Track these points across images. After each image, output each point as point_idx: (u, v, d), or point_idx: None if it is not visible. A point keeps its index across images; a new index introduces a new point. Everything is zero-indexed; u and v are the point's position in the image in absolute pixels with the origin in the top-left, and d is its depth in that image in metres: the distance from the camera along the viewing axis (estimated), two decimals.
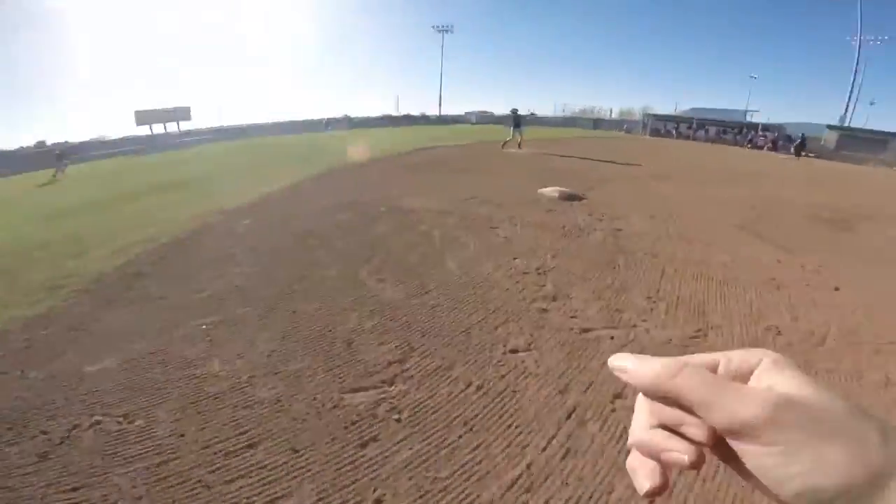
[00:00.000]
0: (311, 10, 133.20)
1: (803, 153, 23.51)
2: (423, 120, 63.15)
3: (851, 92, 35.16)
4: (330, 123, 34.59)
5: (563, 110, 53.25)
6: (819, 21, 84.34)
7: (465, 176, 8.51)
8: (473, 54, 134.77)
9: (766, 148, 30.92)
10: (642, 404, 0.32)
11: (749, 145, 31.02)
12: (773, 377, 0.27)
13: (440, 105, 67.21)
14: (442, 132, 28.46)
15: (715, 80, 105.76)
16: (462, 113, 71.86)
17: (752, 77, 49.45)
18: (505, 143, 15.05)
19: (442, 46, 63.90)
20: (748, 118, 39.61)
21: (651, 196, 7.22)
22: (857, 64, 35.39)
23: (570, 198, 6.39)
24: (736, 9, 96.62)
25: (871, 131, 29.27)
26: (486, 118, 63.80)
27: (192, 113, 44.58)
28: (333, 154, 12.53)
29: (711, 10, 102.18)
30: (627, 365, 0.30)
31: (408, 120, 61.13)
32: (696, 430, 0.28)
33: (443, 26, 63.83)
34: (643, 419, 0.31)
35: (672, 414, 0.29)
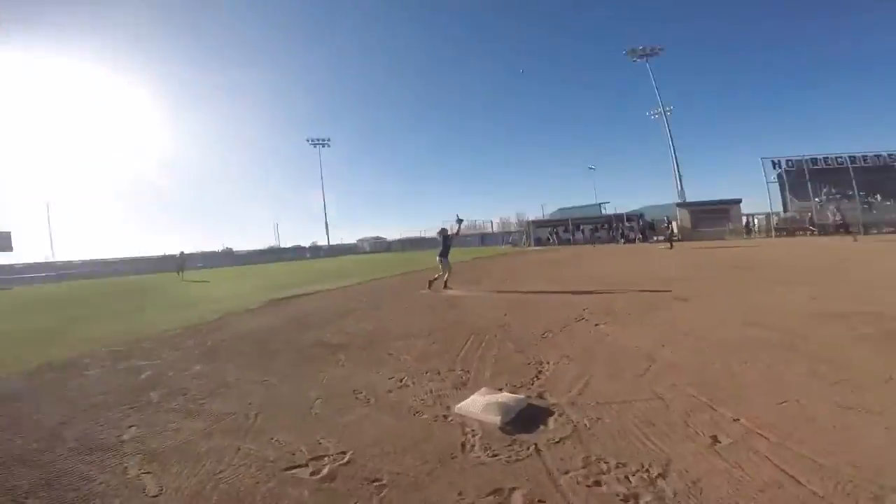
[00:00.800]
0: (181, 134, 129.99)
1: (674, 240, 25.24)
2: (312, 252, 59.79)
3: (676, 165, 41.05)
4: (184, 260, 26.28)
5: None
6: (625, 102, 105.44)
7: (331, 371, 5.50)
8: (354, 174, 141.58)
9: (636, 240, 33.50)
10: None
11: (623, 240, 33.45)
12: None
13: (327, 233, 65.21)
14: (328, 266, 25.61)
15: (565, 177, 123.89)
16: (354, 241, 70.72)
17: (590, 168, 56.95)
18: (432, 281, 10.67)
19: (320, 162, 63.27)
20: (602, 210, 43.85)
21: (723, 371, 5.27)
22: (671, 137, 41.94)
23: (524, 423, 2.95)
24: (564, 105, 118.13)
25: (712, 202, 33.69)
26: (380, 245, 62.78)
27: (12, 241, 37.53)
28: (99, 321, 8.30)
29: (548, 115, 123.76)
30: None
31: (294, 252, 57.46)
32: None
33: (319, 140, 63.67)
34: None
35: None
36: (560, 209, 50.38)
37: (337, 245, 62.70)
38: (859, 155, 31.16)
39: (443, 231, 11.05)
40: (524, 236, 42.27)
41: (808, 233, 28.18)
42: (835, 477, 2.19)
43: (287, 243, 65.03)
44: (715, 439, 2.63)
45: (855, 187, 30.56)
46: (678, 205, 34.53)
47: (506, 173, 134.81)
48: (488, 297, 9.14)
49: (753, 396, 3.22)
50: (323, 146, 64.26)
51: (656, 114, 43.14)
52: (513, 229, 51.25)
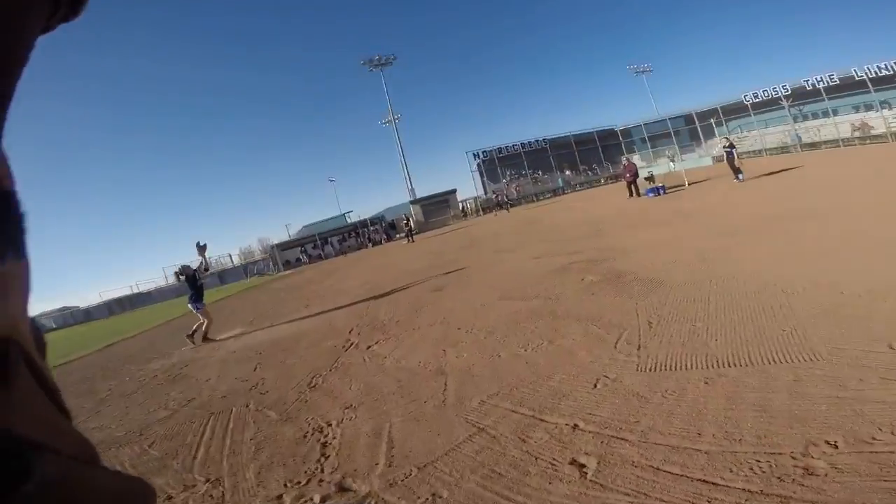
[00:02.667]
0: None
1: (412, 234, 27.57)
2: None
3: (406, 169, 45.39)
4: None
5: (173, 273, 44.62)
6: (357, 112, 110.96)
7: None
8: None
9: (383, 241, 35.29)
10: None
11: (371, 244, 34.63)
12: None
13: None
14: None
15: (308, 194, 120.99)
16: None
17: (330, 180, 57.45)
18: (191, 335, 8.12)
19: None
20: (348, 219, 44.57)
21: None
22: (400, 142, 45.85)
23: None
24: (301, 121, 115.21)
25: (436, 195, 38.85)
26: (73, 316, 45.31)
27: None
28: None
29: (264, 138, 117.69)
30: None
31: None
32: None
33: None
34: None
35: None
36: (305, 226, 48.41)
37: None
38: (526, 141, 41.79)
39: (184, 270, 8.29)
40: (270, 262, 38.56)
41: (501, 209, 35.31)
42: None
43: None
44: (578, 464, 2.12)
45: (525, 167, 41.03)
46: (411, 202, 38.30)
47: (241, 199, 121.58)
48: (229, 346, 7.19)
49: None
50: None
51: (387, 122, 46.17)
52: (257, 257, 46.21)
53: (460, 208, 38.38)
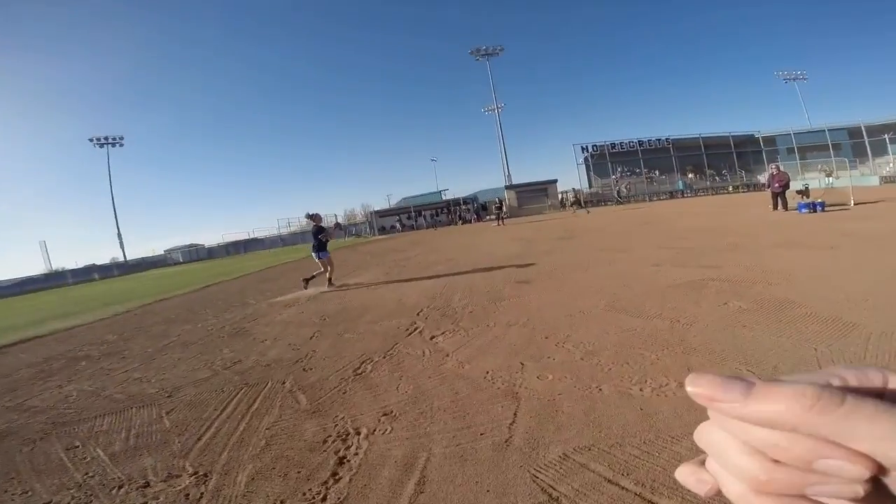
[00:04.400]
0: None
1: (503, 216, 26.39)
2: (103, 271, 47.29)
3: (504, 154, 44.07)
4: None
5: (287, 225, 48.04)
6: (462, 98, 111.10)
7: None
8: (156, 176, 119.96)
9: (473, 220, 34.66)
10: (721, 424, 0.24)
11: (461, 222, 34.16)
12: None
13: (122, 246, 52.55)
14: (105, 289, 19.34)
15: (408, 169, 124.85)
16: (162, 252, 58.49)
17: (432, 160, 57.84)
18: (309, 279, 8.62)
19: (108, 165, 50.84)
20: (443, 196, 44.63)
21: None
22: (501, 130, 44.80)
23: None
24: (409, 102, 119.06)
25: (534, 183, 37.08)
26: (196, 253, 52.34)
27: None
28: None
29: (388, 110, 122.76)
30: (733, 393, 0.23)
31: (75, 275, 44.48)
32: (852, 467, 0.21)
33: (106, 139, 51.24)
34: (730, 444, 0.24)
35: (793, 443, 0.22)
36: (404, 198, 49.67)
37: (137, 260, 50.84)
38: (645, 139, 37.86)
39: (315, 218, 8.71)
40: (367, 227, 40.06)
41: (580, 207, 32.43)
42: None
43: (67, 264, 50.46)
44: None
45: (641, 165, 37.27)
46: (506, 187, 37.03)
47: (351, 168, 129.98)
48: (300, 308, 6.88)
49: None
50: (113, 145, 51.43)
51: (489, 109, 45.31)
52: (359, 220, 48.54)
53: (559, 199, 36.13)
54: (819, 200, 13.22)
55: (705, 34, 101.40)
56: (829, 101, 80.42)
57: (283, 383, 3.54)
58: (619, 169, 38.57)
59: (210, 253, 48.41)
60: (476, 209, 36.96)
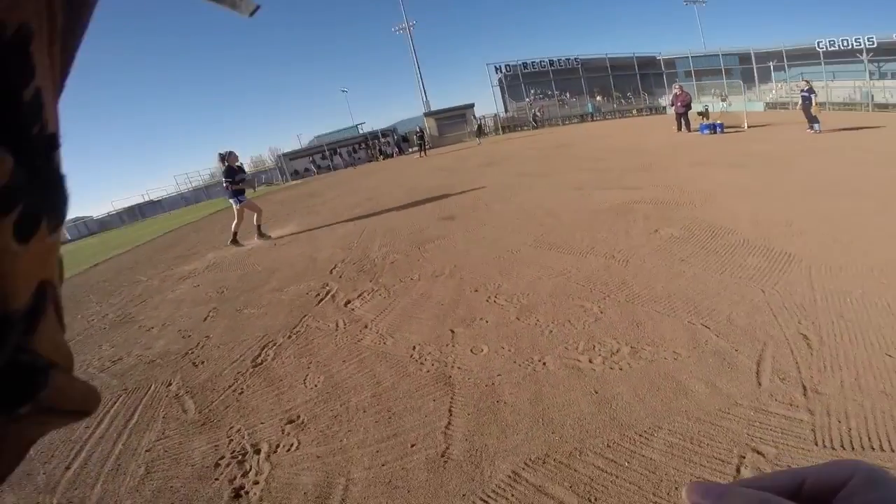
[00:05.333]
0: None
1: (425, 149, 25.29)
2: None
3: (420, 78, 41.44)
4: None
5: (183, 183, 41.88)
6: (371, 18, 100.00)
7: None
8: None
9: (395, 154, 33.01)
10: None
11: (382, 157, 32.32)
12: (868, 495, 0.22)
13: None
14: None
15: (320, 105, 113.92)
16: None
17: (343, 91, 52.75)
18: (234, 236, 7.31)
19: None
20: (360, 131, 41.61)
21: None
22: (414, 51, 41.35)
23: None
24: (312, 29, 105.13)
25: (452, 108, 35.55)
26: (86, 227, 43.50)
27: None
28: None
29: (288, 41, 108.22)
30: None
31: None
32: None
33: None
34: None
35: None
36: (317, 136, 45.55)
37: None
38: (556, 59, 36.98)
39: (229, 157, 7.24)
40: (278, 172, 36.35)
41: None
42: None
43: None
44: None
45: (553, 87, 36.79)
46: (425, 114, 35.07)
47: (255, 110, 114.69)
48: (194, 280, 5.85)
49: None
50: None
51: (400, 29, 41.21)
52: (269, 166, 44.03)
53: (477, 125, 35.32)
54: (718, 122, 13.98)
55: None
56: (724, 25, 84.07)
57: (169, 385, 2.82)
58: (532, 91, 38.12)
59: (102, 225, 41.42)
60: (397, 141, 35.08)
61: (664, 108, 34.89)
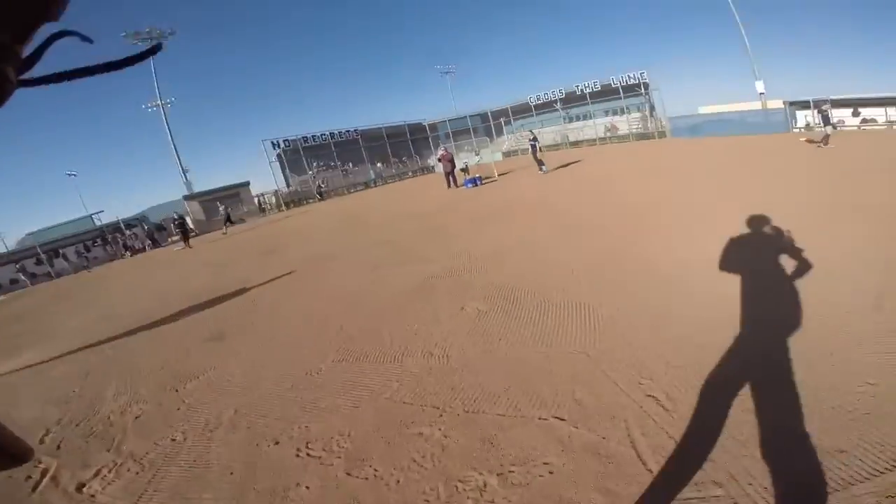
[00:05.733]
0: None
1: (189, 240, 21.51)
2: None
3: (179, 160, 36.32)
4: None
5: None
6: (121, 94, 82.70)
7: None
8: None
9: (147, 247, 27.29)
10: None
11: (129, 253, 26.08)
12: None
13: None
14: None
15: (37, 194, 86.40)
16: None
17: (70, 174, 40.61)
18: None
19: None
20: (98, 221, 33.26)
21: None
22: (169, 130, 36.25)
23: None
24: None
25: (223, 188, 31.50)
26: None
27: None
28: None
29: None
30: None
31: None
32: None
33: None
34: None
35: None
36: (28, 234, 34.11)
37: None
38: (336, 131, 37.96)
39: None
40: None
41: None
42: None
43: None
44: None
45: (335, 158, 37.48)
46: (186, 198, 30.39)
47: None
48: None
49: None
50: None
51: (154, 105, 35.35)
52: None
53: (256, 203, 32.58)
54: (477, 176, 16.08)
55: (377, 33, 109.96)
56: (469, 90, 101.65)
57: None
58: (314, 164, 38.04)
59: None
60: (149, 232, 29.07)
61: (433, 167, 39.59)
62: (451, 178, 16.59)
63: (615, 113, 35.77)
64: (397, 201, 17.05)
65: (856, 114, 23.86)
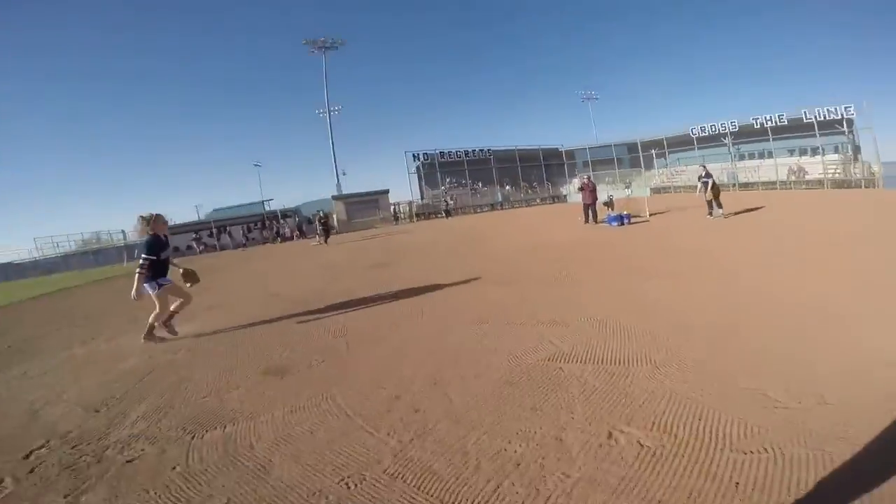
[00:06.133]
0: None
1: (331, 232, 23.04)
2: None
3: (335, 163, 40.20)
4: None
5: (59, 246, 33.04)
6: (292, 101, 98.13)
7: None
8: None
9: (295, 237, 30.27)
10: None
11: (280, 239, 29.32)
12: None
13: None
14: None
15: (226, 177, 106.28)
16: None
17: (256, 165, 49.22)
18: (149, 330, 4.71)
19: None
20: (267, 207, 38.52)
21: None
22: (332, 135, 40.10)
23: None
24: (230, 101, 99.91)
25: (365, 193, 34.26)
26: None
27: None
28: None
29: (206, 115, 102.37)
30: None
31: None
32: None
33: None
34: None
35: None
36: (215, 209, 41.34)
37: None
38: (470, 150, 38.46)
39: (155, 221, 5.08)
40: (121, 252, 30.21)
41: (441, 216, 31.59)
42: None
43: None
44: None
45: (467, 177, 37.83)
46: (334, 197, 33.44)
47: (148, 172, 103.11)
48: None
49: None
50: None
51: (322, 112, 40.67)
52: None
53: (392, 211, 34.17)
54: (625, 213, 13.70)
55: (523, 57, 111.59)
56: (613, 118, 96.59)
57: None
58: (447, 179, 38.77)
59: None
60: (298, 224, 32.46)
61: (565, 196, 37.18)
62: (590, 212, 14.48)
63: (804, 153, 29.16)
64: (524, 230, 15.53)
65: None
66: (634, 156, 38.50)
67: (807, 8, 79.34)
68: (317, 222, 22.03)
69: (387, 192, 34.65)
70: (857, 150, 27.09)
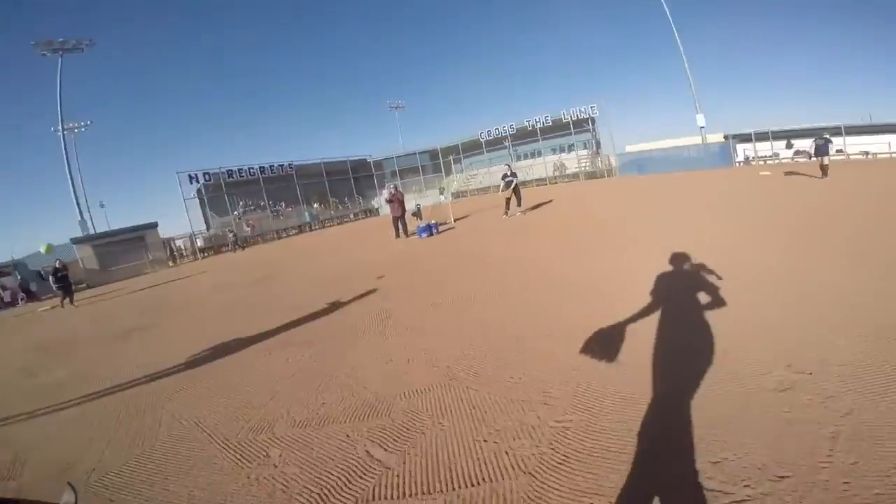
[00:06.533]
0: None
1: (72, 294, 16.81)
2: None
3: (75, 195, 30.70)
4: None
5: None
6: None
7: None
8: None
9: (20, 301, 21.85)
10: None
11: None
12: None
13: None
14: None
15: None
16: None
17: None
18: None
19: None
20: None
21: None
22: (68, 158, 30.56)
23: None
24: None
25: (122, 230, 26.12)
26: None
27: None
28: None
29: None
30: None
31: None
32: None
33: None
34: None
35: None
36: None
37: None
38: (267, 165, 33.34)
39: None
40: None
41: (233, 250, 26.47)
42: None
43: None
44: None
45: (265, 197, 32.97)
46: (75, 241, 24.83)
47: None
48: None
49: None
50: None
51: (58, 130, 29.96)
52: None
53: (168, 250, 27.49)
54: (433, 222, 13.41)
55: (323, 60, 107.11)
56: (418, 126, 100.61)
57: None
58: (240, 203, 33.74)
59: None
60: (22, 282, 23.42)
61: (377, 209, 36.63)
62: (400, 224, 13.72)
63: (562, 150, 35.13)
64: (335, 252, 13.89)
65: (789, 146, 24.23)
66: (436, 162, 40.40)
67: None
68: (50, 278, 15.83)
69: (155, 225, 26.68)
70: (598, 144, 33.78)
